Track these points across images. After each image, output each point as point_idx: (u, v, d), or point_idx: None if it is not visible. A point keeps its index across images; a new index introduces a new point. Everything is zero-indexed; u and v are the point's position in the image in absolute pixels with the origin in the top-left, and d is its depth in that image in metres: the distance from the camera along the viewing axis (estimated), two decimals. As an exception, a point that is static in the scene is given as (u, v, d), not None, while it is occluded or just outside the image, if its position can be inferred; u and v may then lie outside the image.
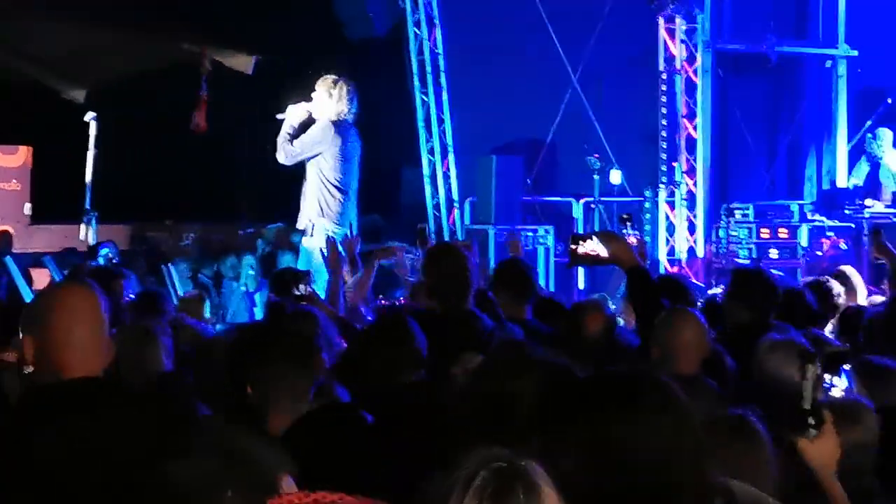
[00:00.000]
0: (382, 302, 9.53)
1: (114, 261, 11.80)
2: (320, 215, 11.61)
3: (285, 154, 11.65)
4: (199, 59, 11.11)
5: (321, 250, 10.11)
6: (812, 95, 18.54)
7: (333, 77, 11.78)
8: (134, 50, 11.58)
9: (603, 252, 5.98)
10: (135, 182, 17.44)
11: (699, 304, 8.03)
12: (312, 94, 11.78)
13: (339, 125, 11.64)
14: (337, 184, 11.61)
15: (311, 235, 11.61)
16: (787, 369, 5.32)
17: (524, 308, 7.74)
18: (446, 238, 16.65)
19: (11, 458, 3.48)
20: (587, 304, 7.89)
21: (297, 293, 7.74)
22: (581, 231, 16.10)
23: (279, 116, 11.75)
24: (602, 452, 2.88)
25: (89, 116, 13.76)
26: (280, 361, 4.70)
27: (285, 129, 11.65)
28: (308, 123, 11.77)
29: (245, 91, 12.95)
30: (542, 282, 14.52)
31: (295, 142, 11.59)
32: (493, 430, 3.57)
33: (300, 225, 11.96)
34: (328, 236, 10.73)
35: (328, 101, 11.66)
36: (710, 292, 11.41)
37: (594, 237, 6.05)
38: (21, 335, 3.73)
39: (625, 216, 6.92)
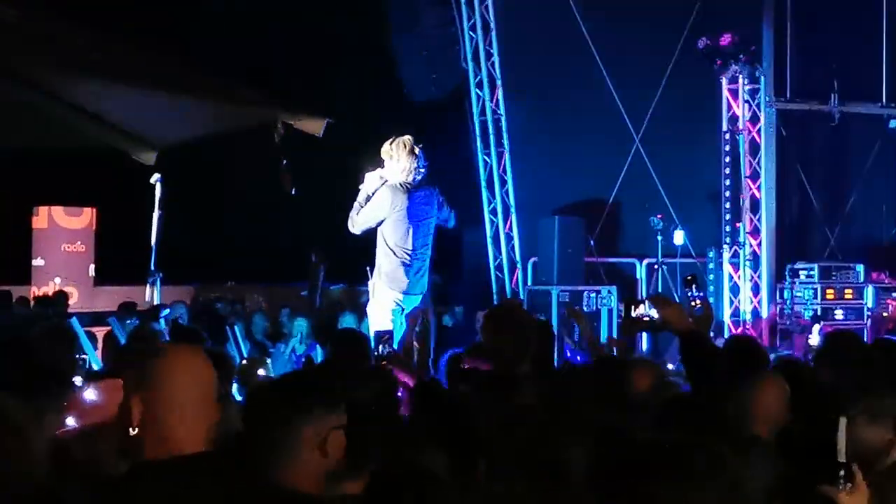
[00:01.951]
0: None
1: (180, 321, 11.85)
2: (379, 278, 11.45)
3: (353, 224, 11.43)
4: (273, 124, 11.09)
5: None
6: (876, 154, 18.39)
7: (396, 138, 11.42)
8: (203, 114, 11.63)
9: (655, 316, 5.89)
10: (199, 244, 17.55)
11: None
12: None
13: (402, 188, 11.30)
14: (394, 248, 11.28)
15: (372, 297, 11.51)
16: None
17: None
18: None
19: None
20: (635, 361, 7.77)
21: (377, 353, 7.71)
22: (644, 293, 16.03)
23: (361, 187, 11.51)
24: None
25: (155, 178, 13.87)
26: None
27: (360, 199, 11.37)
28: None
29: (308, 154, 12.98)
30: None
31: (361, 211, 11.41)
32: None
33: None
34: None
35: (389, 163, 11.37)
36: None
37: (646, 302, 5.96)
38: (126, 395, 3.66)
39: (689, 277, 6.83)
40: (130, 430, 3.63)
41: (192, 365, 3.76)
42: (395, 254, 11.29)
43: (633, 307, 5.90)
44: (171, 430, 3.64)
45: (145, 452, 3.62)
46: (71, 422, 4.38)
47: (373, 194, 11.33)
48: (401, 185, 11.29)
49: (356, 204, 11.38)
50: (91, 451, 4.31)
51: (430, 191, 11.52)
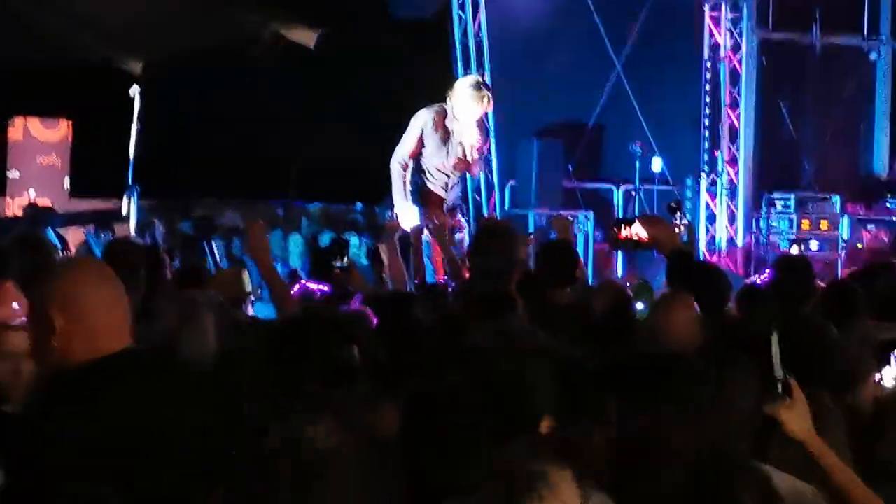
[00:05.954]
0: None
1: (156, 235, 11.81)
2: None
3: None
4: (262, 32, 10.99)
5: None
6: (855, 86, 18.39)
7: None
8: (191, 21, 11.49)
9: (644, 235, 5.89)
10: (179, 157, 17.43)
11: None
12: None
13: None
14: None
15: None
16: None
17: (565, 292, 7.59)
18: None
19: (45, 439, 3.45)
20: (601, 283, 7.71)
21: (337, 265, 7.62)
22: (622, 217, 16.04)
23: None
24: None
25: (133, 90, 13.76)
26: None
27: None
28: None
29: (292, 68, 12.89)
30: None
31: None
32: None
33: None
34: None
35: None
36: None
37: (637, 221, 5.97)
38: (44, 311, 3.64)
39: (673, 204, 6.82)
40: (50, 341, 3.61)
41: (95, 277, 3.72)
42: None
43: (622, 226, 5.92)
44: (91, 341, 3.60)
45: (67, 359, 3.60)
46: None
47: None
48: None
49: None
50: None
51: None
